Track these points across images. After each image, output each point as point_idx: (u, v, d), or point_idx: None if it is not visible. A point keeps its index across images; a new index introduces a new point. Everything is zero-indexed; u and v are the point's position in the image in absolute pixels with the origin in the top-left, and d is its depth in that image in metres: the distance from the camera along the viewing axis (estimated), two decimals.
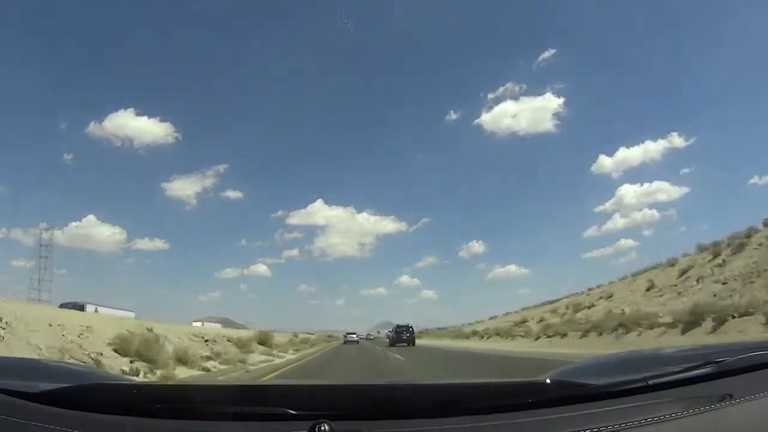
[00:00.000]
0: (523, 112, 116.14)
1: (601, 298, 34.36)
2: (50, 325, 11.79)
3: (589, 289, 40.89)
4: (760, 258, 20.50)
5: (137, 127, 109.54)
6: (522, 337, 33.99)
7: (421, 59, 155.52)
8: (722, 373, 1.25)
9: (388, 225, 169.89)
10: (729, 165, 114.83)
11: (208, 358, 16.13)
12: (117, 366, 10.83)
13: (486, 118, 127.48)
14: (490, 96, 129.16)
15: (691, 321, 17.20)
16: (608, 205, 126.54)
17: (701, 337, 15.52)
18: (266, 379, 10.40)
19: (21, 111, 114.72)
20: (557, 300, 46.65)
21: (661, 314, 19.96)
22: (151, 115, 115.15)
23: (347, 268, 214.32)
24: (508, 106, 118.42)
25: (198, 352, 16.14)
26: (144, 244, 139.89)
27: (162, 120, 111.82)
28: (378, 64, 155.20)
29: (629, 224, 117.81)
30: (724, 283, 20.69)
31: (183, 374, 12.02)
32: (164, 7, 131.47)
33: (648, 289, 28.01)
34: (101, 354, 11.31)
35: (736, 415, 1.11)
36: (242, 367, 15.43)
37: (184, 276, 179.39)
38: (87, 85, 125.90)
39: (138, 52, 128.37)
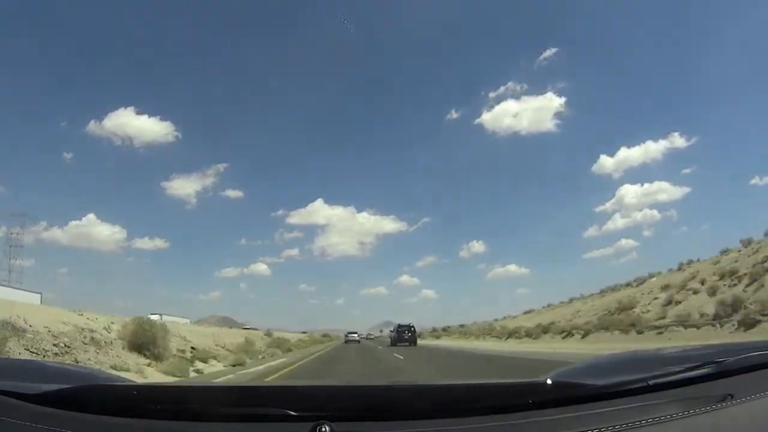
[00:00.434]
0: (525, 112, 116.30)
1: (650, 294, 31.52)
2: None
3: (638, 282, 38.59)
4: None
5: (137, 125, 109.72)
6: (580, 335, 28.86)
7: (421, 58, 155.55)
8: (723, 373, 1.25)
9: (389, 224, 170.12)
10: (730, 165, 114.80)
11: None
12: None
13: (487, 118, 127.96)
14: (491, 95, 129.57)
15: None
16: (609, 205, 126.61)
17: None
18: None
19: (21, 110, 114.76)
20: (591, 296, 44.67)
21: None
22: (151, 114, 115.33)
23: (347, 267, 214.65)
24: (509, 106, 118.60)
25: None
26: (144, 243, 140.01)
27: (162, 119, 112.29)
28: (378, 63, 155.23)
29: (630, 224, 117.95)
30: None
31: None
32: (164, 6, 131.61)
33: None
34: None
35: (736, 415, 1.11)
36: None
37: (184, 275, 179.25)
38: (87, 83, 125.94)
39: (138, 51, 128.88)
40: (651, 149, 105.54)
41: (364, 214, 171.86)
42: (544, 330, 36.48)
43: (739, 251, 29.22)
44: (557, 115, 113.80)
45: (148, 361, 13.13)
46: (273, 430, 1.12)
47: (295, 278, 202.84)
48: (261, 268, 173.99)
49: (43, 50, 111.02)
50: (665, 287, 30.70)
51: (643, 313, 27.38)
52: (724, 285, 24.38)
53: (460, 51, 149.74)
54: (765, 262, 23.80)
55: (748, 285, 22.63)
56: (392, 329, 42.67)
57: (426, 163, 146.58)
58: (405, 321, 40.48)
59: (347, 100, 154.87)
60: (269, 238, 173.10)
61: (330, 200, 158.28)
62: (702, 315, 21.63)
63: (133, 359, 12.69)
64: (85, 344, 12.11)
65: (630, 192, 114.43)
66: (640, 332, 22.58)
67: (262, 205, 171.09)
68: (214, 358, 17.96)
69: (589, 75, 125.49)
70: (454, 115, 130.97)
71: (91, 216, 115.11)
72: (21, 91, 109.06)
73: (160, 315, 37.17)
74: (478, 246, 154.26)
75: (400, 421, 1.12)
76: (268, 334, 39.85)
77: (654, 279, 37.78)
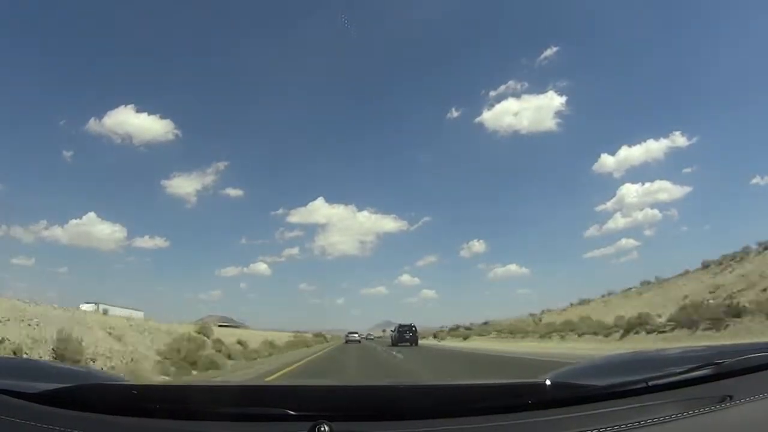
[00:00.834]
0: (525, 111, 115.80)
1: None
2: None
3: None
4: None
5: (137, 123, 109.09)
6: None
7: (421, 57, 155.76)
8: (722, 374, 1.25)
9: (389, 224, 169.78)
10: (731, 165, 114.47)
11: None
12: None
13: (487, 116, 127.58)
14: (492, 94, 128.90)
15: None
16: (609, 204, 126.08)
17: None
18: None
19: (20, 108, 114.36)
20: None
21: None
22: (151, 111, 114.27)
23: (347, 266, 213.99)
24: (509, 104, 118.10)
25: None
26: (144, 242, 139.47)
27: (162, 117, 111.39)
28: (378, 62, 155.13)
29: (630, 224, 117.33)
30: None
31: None
32: (165, 4, 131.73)
33: None
34: None
35: (736, 416, 1.11)
36: None
37: (184, 274, 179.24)
38: (86, 81, 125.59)
39: (138, 48, 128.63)
40: (652, 148, 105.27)
41: (365, 213, 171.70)
42: (630, 326, 23.40)
43: None
44: (558, 113, 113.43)
45: None
46: (272, 429, 1.12)
47: (296, 277, 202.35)
48: (261, 267, 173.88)
49: (42, 48, 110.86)
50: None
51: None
52: None
53: (461, 49, 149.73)
54: None
55: None
56: (393, 329, 42.62)
57: (426, 162, 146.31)
58: (405, 321, 40.27)
59: (347, 98, 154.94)
60: (269, 237, 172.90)
61: (330, 199, 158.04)
62: None
63: None
64: None
65: (631, 191, 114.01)
66: None
67: (263, 203, 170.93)
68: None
69: (591, 73, 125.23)
70: (455, 114, 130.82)
71: (92, 214, 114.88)
72: (20, 89, 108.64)
73: (98, 305, 31.62)
74: (478, 245, 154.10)
75: (400, 421, 1.12)
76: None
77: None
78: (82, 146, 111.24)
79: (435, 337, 61.21)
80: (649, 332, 21.96)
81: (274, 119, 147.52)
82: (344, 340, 54.15)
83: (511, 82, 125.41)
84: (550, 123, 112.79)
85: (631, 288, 39.20)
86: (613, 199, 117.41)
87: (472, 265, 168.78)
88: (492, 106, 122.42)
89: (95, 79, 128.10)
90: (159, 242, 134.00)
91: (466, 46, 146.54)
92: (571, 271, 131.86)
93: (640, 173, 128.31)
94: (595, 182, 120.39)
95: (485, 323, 54.22)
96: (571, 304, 44.45)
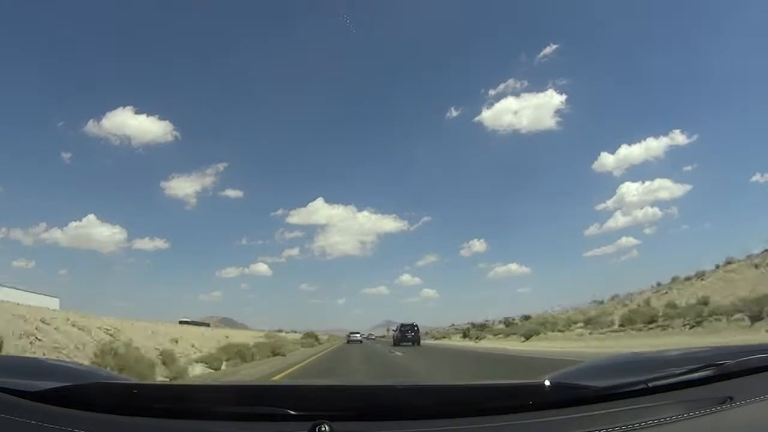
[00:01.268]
0: (525, 109, 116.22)
1: None
2: None
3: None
4: None
5: (136, 125, 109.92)
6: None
7: (420, 56, 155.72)
8: (723, 375, 1.25)
9: (389, 224, 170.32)
10: (731, 163, 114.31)
11: None
12: None
13: (487, 115, 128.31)
14: (491, 92, 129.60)
15: None
16: (610, 203, 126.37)
17: None
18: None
19: (19, 109, 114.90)
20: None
21: None
22: (150, 113, 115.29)
23: (348, 266, 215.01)
24: (509, 103, 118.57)
25: None
26: (144, 243, 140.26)
27: (161, 118, 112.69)
28: (378, 62, 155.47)
29: (631, 222, 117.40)
30: None
31: None
32: (164, 5, 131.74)
33: None
34: None
35: (736, 417, 1.10)
36: None
37: (184, 275, 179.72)
38: (85, 82, 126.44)
39: (137, 50, 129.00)
40: (652, 146, 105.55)
41: (365, 213, 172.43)
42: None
43: None
44: (558, 112, 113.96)
45: None
46: (272, 429, 1.12)
47: (296, 278, 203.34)
48: (261, 267, 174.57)
49: (42, 49, 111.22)
50: None
51: None
52: None
53: (460, 48, 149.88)
54: None
55: None
56: (395, 329, 42.57)
57: (426, 162, 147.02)
58: (406, 320, 40.15)
59: (347, 99, 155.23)
60: (270, 238, 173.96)
61: (330, 199, 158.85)
62: None
63: None
64: None
65: (631, 190, 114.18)
66: None
67: (263, 204, 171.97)
68: None
69: (590, 72, 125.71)
70: (454, 113, 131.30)
71: (91, 216, 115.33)
72: (19, 91, 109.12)
73: None
74: (478, 245, 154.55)
75: (400, 421, 1.12)
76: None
77: None
78: (81, 148, 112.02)
79: (465, 336, 46.36)
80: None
81: (273, 120, 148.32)
82: (345, 340, 54.29)
83: (510, 81, 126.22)
84: (549, 121, 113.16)
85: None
86: (614, 198, 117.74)
87: (472, 265, 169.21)
88: (491, 104, 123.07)
89: (94, 81, 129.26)
90: (159, 244, 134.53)
91: (465, 45, 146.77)
92: (571, 269, 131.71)
93: (640, 171, 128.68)
94: (596, 181, 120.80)
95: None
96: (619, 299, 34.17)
